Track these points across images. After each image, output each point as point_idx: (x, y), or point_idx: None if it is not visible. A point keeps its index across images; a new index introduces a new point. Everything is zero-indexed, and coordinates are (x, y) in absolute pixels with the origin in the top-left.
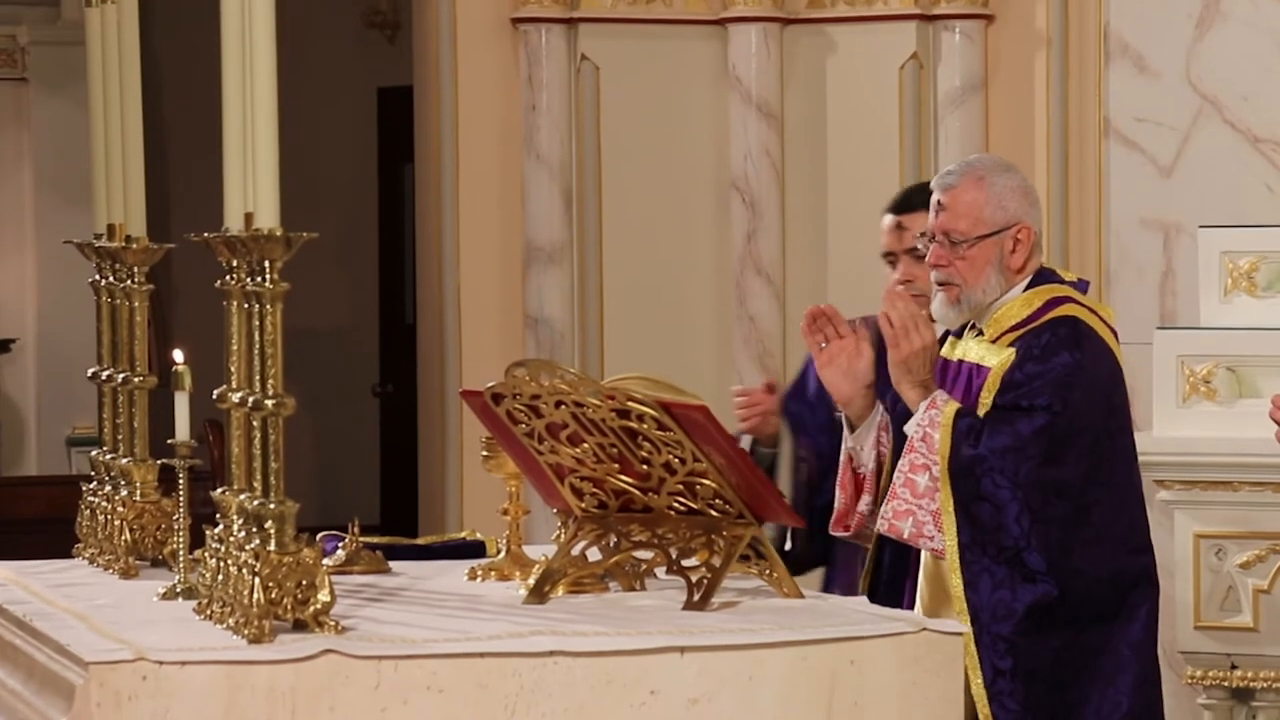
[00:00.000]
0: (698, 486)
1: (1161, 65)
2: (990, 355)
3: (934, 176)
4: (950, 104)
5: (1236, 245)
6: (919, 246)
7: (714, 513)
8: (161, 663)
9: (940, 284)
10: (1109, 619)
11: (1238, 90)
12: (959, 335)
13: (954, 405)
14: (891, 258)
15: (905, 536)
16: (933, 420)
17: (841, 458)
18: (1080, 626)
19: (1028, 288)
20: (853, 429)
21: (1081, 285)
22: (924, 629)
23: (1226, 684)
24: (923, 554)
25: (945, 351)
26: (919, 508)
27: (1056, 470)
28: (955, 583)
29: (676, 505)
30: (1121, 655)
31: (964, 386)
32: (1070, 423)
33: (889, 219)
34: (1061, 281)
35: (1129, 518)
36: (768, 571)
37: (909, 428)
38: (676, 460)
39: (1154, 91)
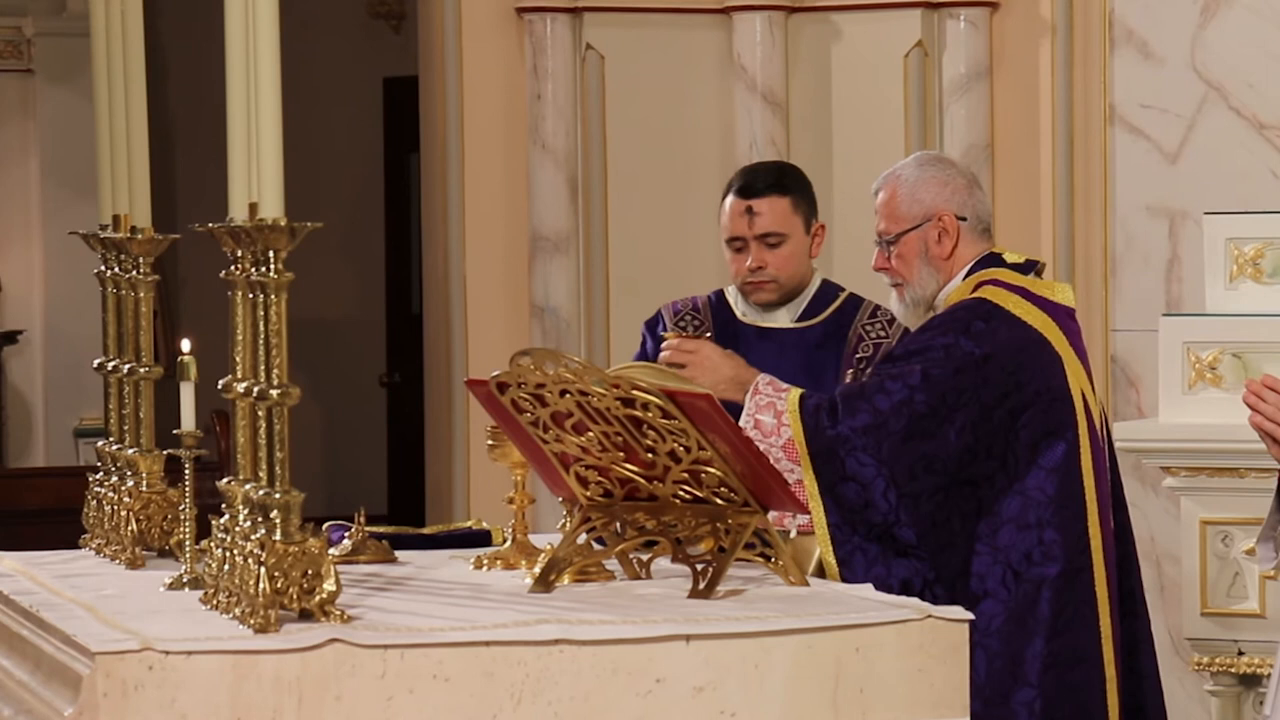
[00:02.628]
0: (703, 475)
1: (1166, 52)
2: None
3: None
4: (955, 92)
5: (1242, 232)
6: (770, 234)
7: (719, 501)
8: (168, 652)
9: (890, 286)
10: (1004, 592)
11: (1243, 77)
12: None
13: (796, 391)
14: (738, 243)
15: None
16: (759, 405)
17: None
18: (970, 600)
19: (969, 275)
20: None
21: (1027, 266)
22: (929, 616)
23: (1233, 670)
24: None
25: None
26: None
27: (925, 444)
28: (830, 561)
29: (682, 494)
30: (1025, 627)
31: None
32: (939, 396)
33: (736, 203)
34: (1003, 264)
35: (1031, 491)
36: (773, 559)
37: (742, 419)
38: (681, 449)
39: (1159, 78)
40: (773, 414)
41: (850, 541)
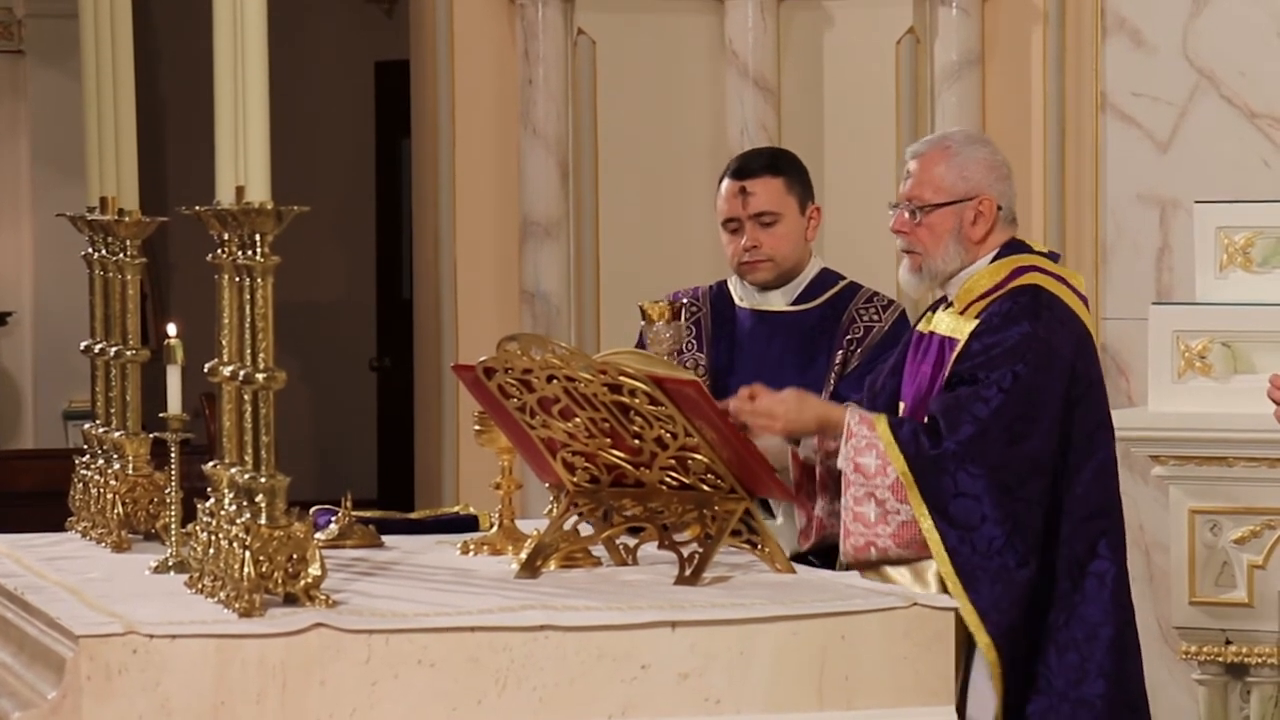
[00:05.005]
0: (689, 461)
1: (1158, 40)
2: (960, 326)
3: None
4: (947, 79)
5: (1232, 220)
6: (765, 213)
7: (706, 488)
8: (152, 636)
9: (904, 251)
10: (1067, 589)
11: (1235, 65)
12: (934, 310)
13: (882, 421)
14: (734, 224)
15: (875, 560)
16: (857, 448)
17: (793, 474)
18: (1041, 597)
19: (996, 259)
20: (797, 442)
21: (1052, 257)
22: (915, 604)
23: (1221, 659)
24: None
25: (920, 326)
26: (877, 537)
27: (1025, 446)
28: (955, 589)
29: (668, 480)
30: (1087, 623)
31: (935, 358)
32: (1029, 397)
33: (731, 184)
34: (1031, 252)
35: (1085, 484)
36: (759, 546)
37: (840, 463)
38: (668, 435)
39: (1151, 66)
40: (875, 455)
41: (970, 560)
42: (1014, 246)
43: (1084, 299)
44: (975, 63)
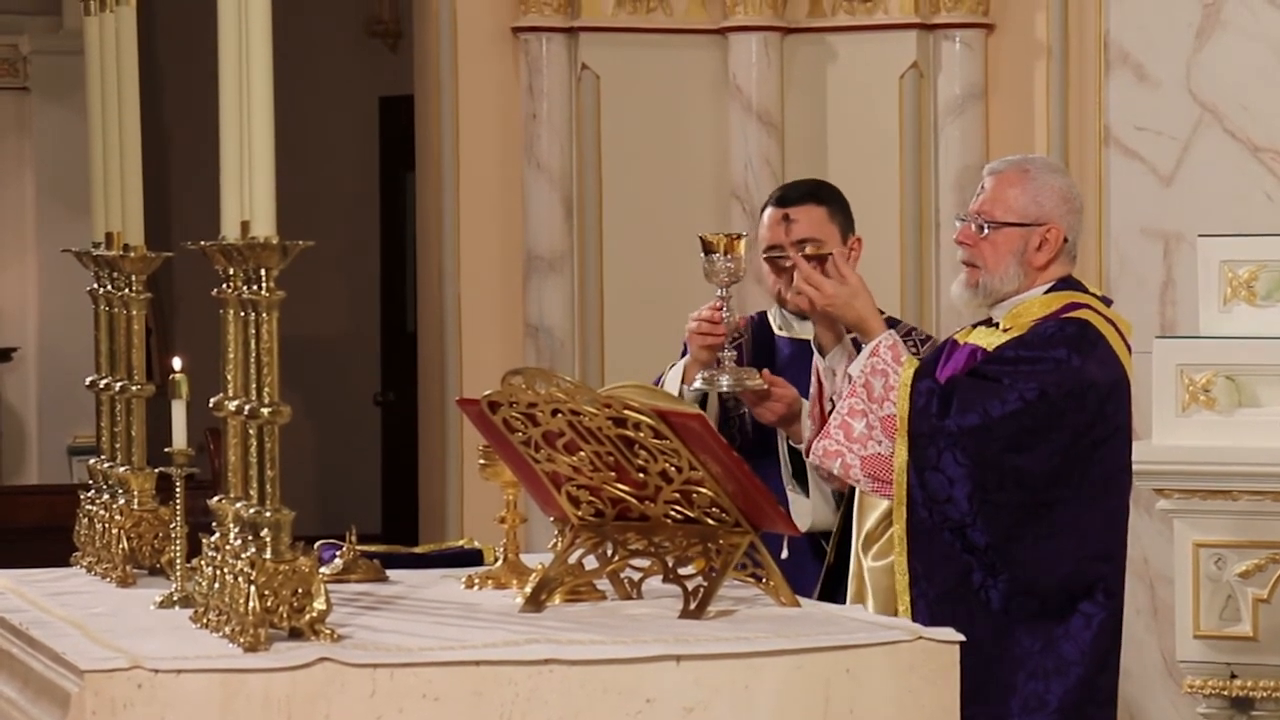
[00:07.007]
0: (694, 495)
1: (1161, 74)
2: (996, 340)
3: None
4: (950, 113)
5: (1236, 254)
6: (807, 240)
7: (710, 521)
8: (157, 671)
9: (964, 263)
10: (1051, 619)
11: (1237, 99)
12: (975, 327)
13: (912, 363)
14: (776, 252)
15: (835, 473)
16: (875, 368)
17: (812, 387)
18: (1019, 617)
19: (1051, 291)
20: (824, 354)
21: (1105, 301)
22: (919, 637)
23: (1226, 693)
24: (851, 563)
25: (958, 337)
26: (849, 450)
27: (1021, 458)
28: (899, 544)
29: (673, 514)
30: (1061, 657)
31: (963, 366)
32: (1047, 416)
33: (773, 212)
34: (1086, 292)
35: (1095, 525)
36: (764, 580)
37: (853, 368)
38: (673, 468)
39: (1154, 101)
40: (884, 384)
41: (926, 522)
42: (1070, 283)
43: (1130, 347)
44: (979, 97)
